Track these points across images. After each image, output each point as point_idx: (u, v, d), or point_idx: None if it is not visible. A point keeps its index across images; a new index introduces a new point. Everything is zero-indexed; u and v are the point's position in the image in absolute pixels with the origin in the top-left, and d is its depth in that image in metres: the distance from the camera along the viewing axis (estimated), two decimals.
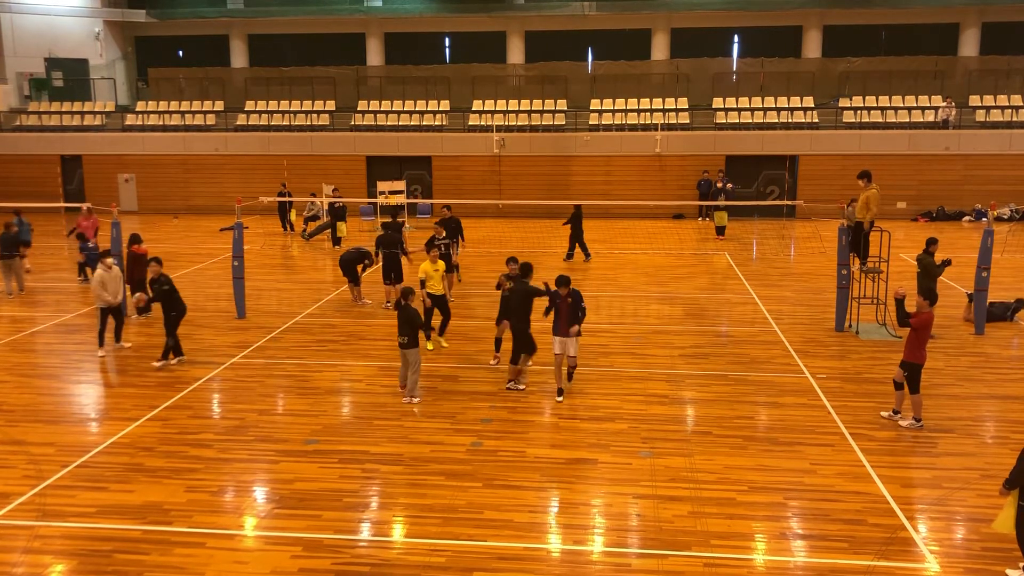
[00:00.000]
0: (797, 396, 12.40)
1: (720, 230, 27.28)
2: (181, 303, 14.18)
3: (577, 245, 23.07)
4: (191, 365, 14.04)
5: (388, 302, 17.56)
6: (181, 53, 41.17)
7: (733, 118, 32.76)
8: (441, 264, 15.18)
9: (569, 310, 12.05)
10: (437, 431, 11.20)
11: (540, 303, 12.68)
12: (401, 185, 30.25)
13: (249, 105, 35.68)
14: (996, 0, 34.45)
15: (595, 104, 34.14)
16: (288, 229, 29.08)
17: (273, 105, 35.52)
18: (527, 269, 13.26)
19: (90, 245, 19.77)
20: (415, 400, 12.27)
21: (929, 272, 15.16)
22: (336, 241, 25.70)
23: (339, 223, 25.74)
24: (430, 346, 14.87)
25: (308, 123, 34.50)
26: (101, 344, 14.76)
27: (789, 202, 27.94)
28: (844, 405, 11.99)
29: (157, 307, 17.45)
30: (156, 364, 14.01)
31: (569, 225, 22.91)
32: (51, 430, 11.35)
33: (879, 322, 15.90)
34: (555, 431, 11.19)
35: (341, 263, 18.10)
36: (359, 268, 18.03)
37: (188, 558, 8.12)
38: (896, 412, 11.45)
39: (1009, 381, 13.12)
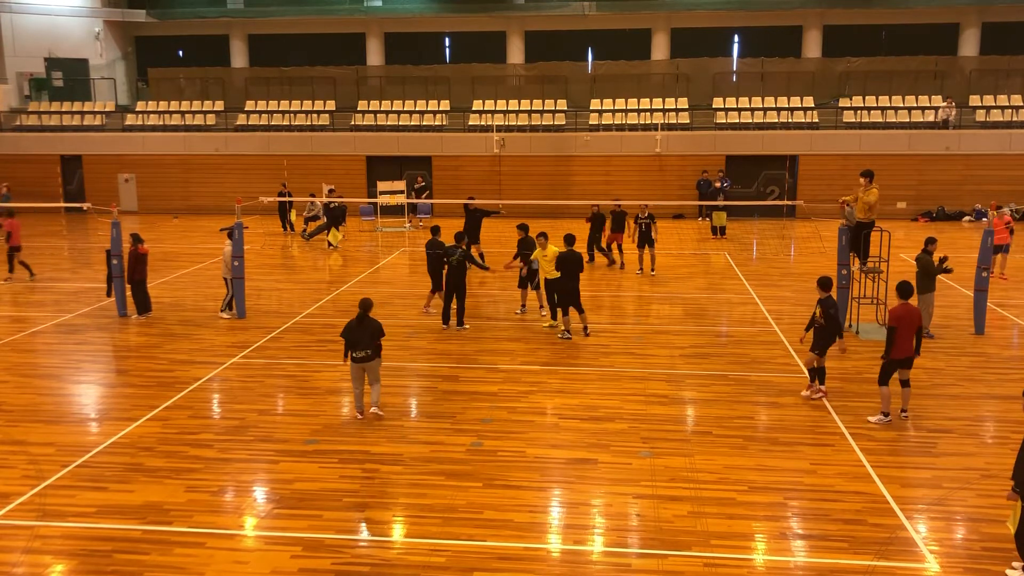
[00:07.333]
0: (797, 396, 12.39)
1: (721, 230, 27.30)
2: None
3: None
4: (191, 365, 14.05)
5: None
6: (181, 53, 41.16)
7: (733, 118, 32.75)
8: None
9: None
10: (437, 431, 11.20)
11: None
12: (402, 185, 30.23)
13: (249, 105, 35.68)
14: (996, 0, 34.45)
15: (595, 104, 34.14)
16: (288, 229, 29.07)
17: (273, 105, 35.51)
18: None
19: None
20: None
21: (928, 271, 15.17)
22: (330, 245, 25.52)
23: (332, 228, 25.51)
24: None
25: (308, 123, 34.49)
26: (222, 310, 17.17)
27: (789, 202, 27.92)
28: (844, 405, 11.98)
29: (157, 308, 17.54)
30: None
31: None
32: (51, 430, 11.35)
33: (879, 322, 15.89)
34: (555, 431, 11.19)
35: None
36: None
37: (188, 558, 8.12)
38: (904, 411, 11.52)
39: (1009, 381, 13.11)
